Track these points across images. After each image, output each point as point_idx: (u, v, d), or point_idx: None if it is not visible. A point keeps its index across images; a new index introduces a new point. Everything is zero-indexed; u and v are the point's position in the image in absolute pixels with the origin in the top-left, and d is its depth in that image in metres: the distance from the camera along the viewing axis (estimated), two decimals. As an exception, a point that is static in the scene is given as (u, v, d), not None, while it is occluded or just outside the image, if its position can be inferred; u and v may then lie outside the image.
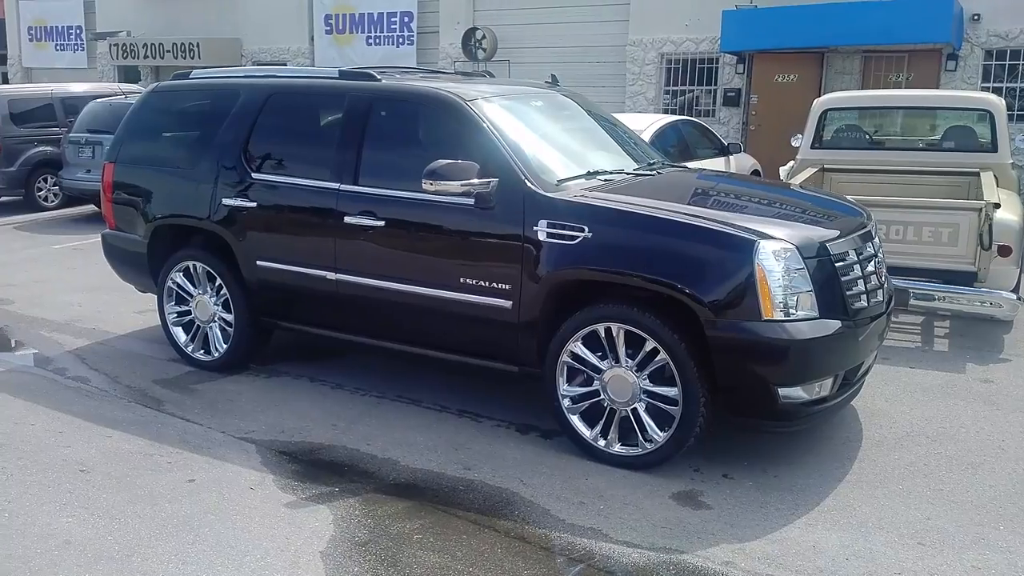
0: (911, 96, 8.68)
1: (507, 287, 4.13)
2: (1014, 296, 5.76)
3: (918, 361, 5.51)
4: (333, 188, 4.63)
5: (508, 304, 4.14)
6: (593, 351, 3.98)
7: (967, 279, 5.78)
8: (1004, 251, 5.84)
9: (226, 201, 4.99)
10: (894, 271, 5.22)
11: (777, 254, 3.67)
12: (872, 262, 4.16)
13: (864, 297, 3.99)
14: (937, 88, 12.19)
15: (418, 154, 4.49)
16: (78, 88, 13.15)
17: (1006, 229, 5.86)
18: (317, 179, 4.71)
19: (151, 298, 5.65)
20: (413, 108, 4.68)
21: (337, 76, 4.93)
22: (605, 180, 4.44)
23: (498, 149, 4.24)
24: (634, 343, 3.88)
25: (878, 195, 6.33)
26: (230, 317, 5.14)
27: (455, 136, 4.39)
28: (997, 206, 5.67)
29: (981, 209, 5.65)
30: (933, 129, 8.34)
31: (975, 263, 5.73)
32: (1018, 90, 12.19)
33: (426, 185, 4.08)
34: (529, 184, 4.13)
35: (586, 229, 3.94)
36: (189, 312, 5.33)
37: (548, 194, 4.11)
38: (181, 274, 5.29)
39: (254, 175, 4.93)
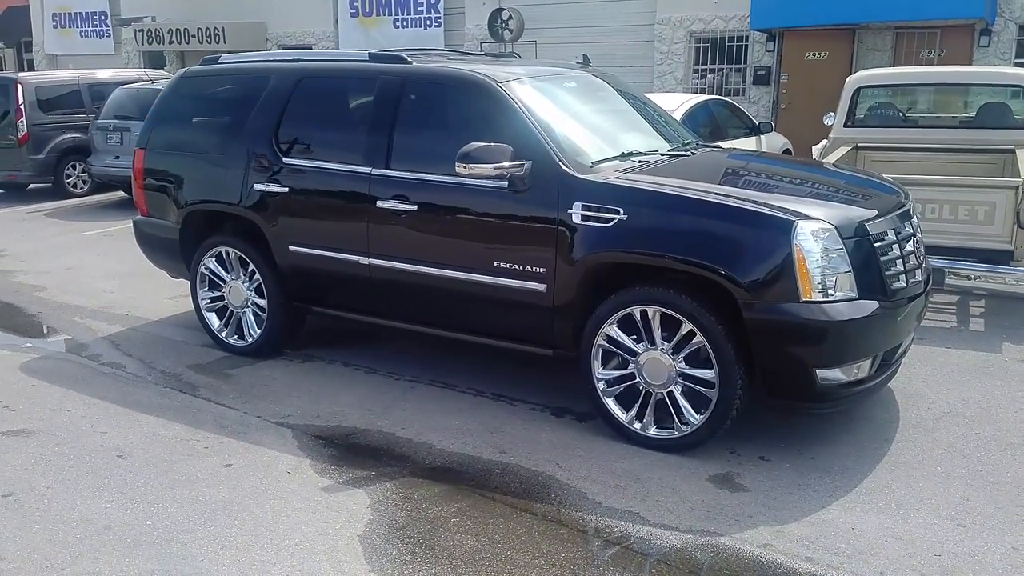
0: (945, 73, 8.53)
1: (541, 270, 4.11)
2: (1052, 275, 5.67)
3: (954, 341, 5.44)
4: (365, 172, 4.62)
5: (542, 287, 4.12)
6: (628, 334, 3.96)
7: (1003, 257, 5.70)
8: (1042, 229, 5.74)
9: (258, 186, 5.00)
10: (929, 250, 5.15)
11: (816, 234, 3.62)
12: (911, 241, 4.09)
13: (903, 277, 3.93)
14: (970, 64, 11.96)
15: (450, 137, 4.45)
16: (104, 74, 13.24)
17: (1044, 207, 5.75)
18: (349, 163, 4.70)
19: (183, 284, 5.70)
20: (445, 91, 4.65)
21: (367, 59, 4.91)
22: (639, 161, 4.40)
23: (531, 131, 4.21)
24: (670, 326, 3.85)
25: (912, 173, 6.23)
26: (263, 302, 5.16)
27: (487, 118, 4.36)
28: (1035, 183, 5.57)
29: (1018, 187, 5.56)
30: (968, 106, 8.20)
31: (1011, 241, 5.65)
32: (1054, 64, 11.93)
33: (459, 168, 4.06)
34: (563, 166, 4.09)
35: (621, 211, 3.90)
36: (222, 298, 5.36)
37: (582, 176, 4.07)
38: (214, 260, 5.32)
39: (285, 160, 4.93)
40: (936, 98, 8.51)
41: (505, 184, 4.15)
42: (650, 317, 3.89)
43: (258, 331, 5.23)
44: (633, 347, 3.96)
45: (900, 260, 3.93)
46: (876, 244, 3.81)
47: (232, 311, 5.34)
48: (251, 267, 5.16)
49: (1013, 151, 6.75)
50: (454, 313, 4.52)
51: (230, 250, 5.23)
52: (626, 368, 4.01)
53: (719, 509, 3.45)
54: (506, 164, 4.04)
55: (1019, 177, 5.70)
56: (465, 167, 4.05)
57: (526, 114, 4.27)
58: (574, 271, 4.03)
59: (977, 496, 3.53)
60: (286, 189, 4.91)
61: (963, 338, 5.52)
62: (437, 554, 3.14)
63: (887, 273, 3.83)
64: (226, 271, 5.30)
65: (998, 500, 3.50)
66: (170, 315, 6.20)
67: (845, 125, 7.85)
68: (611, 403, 4.07)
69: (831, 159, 6.77)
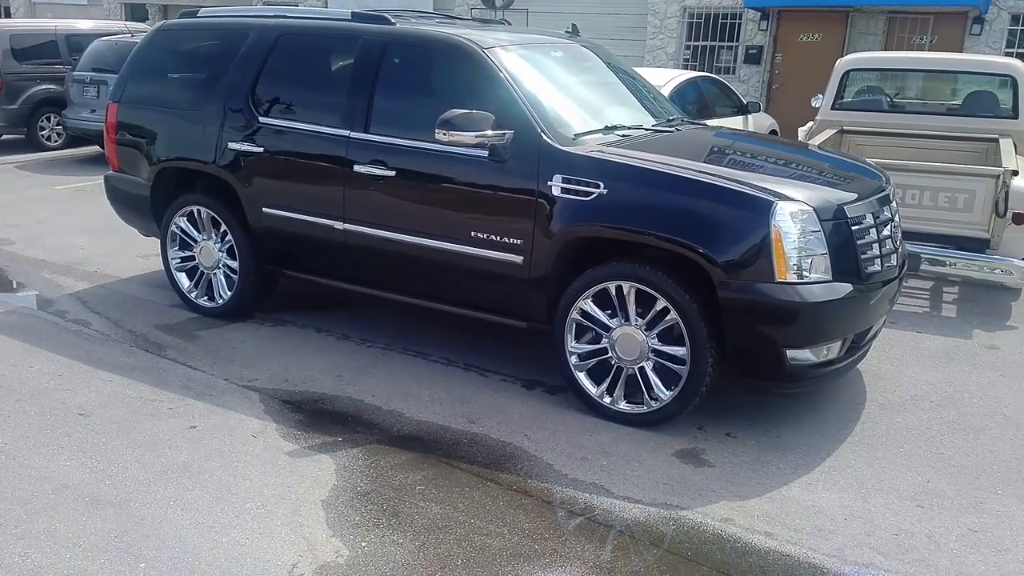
0: (935, 59, 8.49)
1: (519, 242, 4.07)
2: (1025, 263, 5.70)
3: (925, 326, 5.48)
4: (343, 135, 4.54)
5: (519, 259, 4.08)
6: (603, 309, 3.94)
7: (979, 246, 5.72)
8: (1019, 219, 5.75)
9: (232, 145, 4.90)
10: (908, 236, 5.15)
11: (794, 215, 3.60)
12: (888, 226, 4.09)
13: (878, 261, 3.92)
14: (961, 52, 11.94)
15: (432, 102, 4.38)
16: (83, 25, 12.93)
17: (1022, 197, 5.76)
18: (327, 125, 4.62)
19: (155, 242, 5.61)
20: (428, 54, 4.55)
21: (350, 18, 4.80)
22: (623, 135, 4.35)
23: (514, 100, 4.14)
24: (645, 302, 3.83)
25: (896, 159, 6.22)
26: (235, 264, 5.08)
27: (470, 85, 4.28)
28: (1015, 173, 5.57)
29: (999, 176, 5.56)
30: (955, 93, 8.19)
31: (989, 230, 5.66)
32: (1042, 55, 11.92)
33: (439, 135, 3.99)
34: (545, 137, 4.03)
35: (602, 185, 3.86)
36: (193, 258, 5.28)
37: (564, 148, 4.02)
38: (185, 219, 5.23)
39: (261, 119, 4.84)
40: (924, 84, 8.49)
41: (485, 153, 4.09)
42: (625, 293, 3.86)
43: (229, 293, 5.16)
44: (607, 322, 3.93)
45: (876, 244, 3.92)
46: (854, 227, 3.79)
47: (203, 272, 5.26)
48: (223, 228, 5.07)
49: (996, 140, 6.76)
50: (429, 282, 4.47)
51: (202, 209, 5.13)
52: (599, 343, 3.99)
53: (683, 483, 3.46)
54: (487, 133, 3.98)
55: (1001, 166, 5.70)
56: (445, 134, 3.98)
57: (510, 82, 4.20)
58: (551, 244, 3.99)
59: (938, 478, 3.56)
60: (261, 149, 4.81)
61: (934, 323, 5.56)
62: (400, 521, 3.12)
63: (863, 256, 3.82)
64: (197, 231, 5.21)
65: (958, 483, 3.53)
66: (140, 273, 6.11)
67: (832, 108, 7.81)
68: (582, 377, 4.05)
69: (816, 142, 6.74)
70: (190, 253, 5.28)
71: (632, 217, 3.83)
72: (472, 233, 4.19)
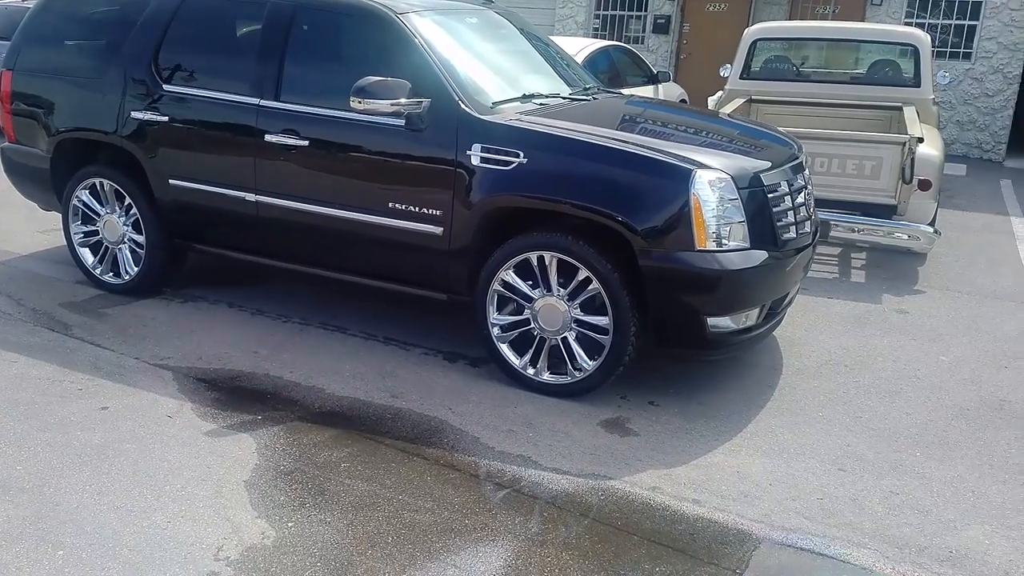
0: (841, 28, 8.72)
1: (438, 213, 4.01)
2: (931, 229, 5.94)
3: (836, 291, 5.66)
4: (253, 103, 4.38)
5: (439, 231, 4.02)
6: (525, 280, 3.92)
7: (887, 212, 5.93)
8: (924, 185, 5.99)
9: (135, 115, 4.67)
10: (817, 203, 5.30)
11: (713, 184, 3.64)
12: (802, 194, 4.18)
13: (793, 228, 4.01)
14: (862, 22, 12.29)
15: (345, 70, 4.26)
16: (-34, -14, 12.08)
17: (927, 163, 6.00)
18: (235, 93, 4.44)
19: (56, 216, 5.33)
20: (340, 19, 4.40)
21: (257, -19, 4.60)
22: (541, 104, 4.32)
23: (431, 67, 4.05)
24: (566, 272, 3.83)
25: (804, 127, 6.38)
26: (141, 238, 4.87)
27: (385, 52, 4.17)
28: (921, 140, 5.78)
29: (905, 143, 5.75)
30: (859, 63, 8.44)
31: (896, 196, 5.86)
32: (940, 26, 12.39)
33: (354, 103, 3.88)
34: (463, 106, 3.97)
35: (521, 155, 3.82)
36: (97, 232, 5.04)
37: (483, 117, 3.96)
38: (87, 192, 4.98)
39: (165, 87, 4.62)
40: (829, 54, 8.72)
41: (402, 122, 4.01)
42: (547, 263, 3.85)
43: (135, 268, 4.95)
44: (529, 293, 3.92)
45: (791, 212, 4.01)
46: (769, 195, 3.86)
47: (107, 247, 5.02)
48: (128, 200, 4.85)
49: (900, 108, 7.00)
50: (346, 255, 4.37)
51: (105, 182, 4.89)
52: (521, 314, 3.98)
53: (609, 453, 3.49)
54: (403, 101, 3.90)
55: (906, 133, 5.90)
56: (360, 102, 3.88)
57: (426, 49, 4.11)
58: (471, 215, 3.94)
59: (857, 441, 3.68)
60: (166, 118, 4.60)
61: (845, 289, 5.75)
62: (327, 499, 3.06)
63: (778, 224, 3.89)
64: (101, 204, 4.97)
65: (876, 446, 3.65)
66: (41, 250, 5.79)
67: (741, 77, 7.94)
68: (505, 349, 4.04)
69: (726, 111, 6.85)
70: (93, 228, 5.04)
71: (552, 186, 3.81)
72: (390, 204, 4.11)
